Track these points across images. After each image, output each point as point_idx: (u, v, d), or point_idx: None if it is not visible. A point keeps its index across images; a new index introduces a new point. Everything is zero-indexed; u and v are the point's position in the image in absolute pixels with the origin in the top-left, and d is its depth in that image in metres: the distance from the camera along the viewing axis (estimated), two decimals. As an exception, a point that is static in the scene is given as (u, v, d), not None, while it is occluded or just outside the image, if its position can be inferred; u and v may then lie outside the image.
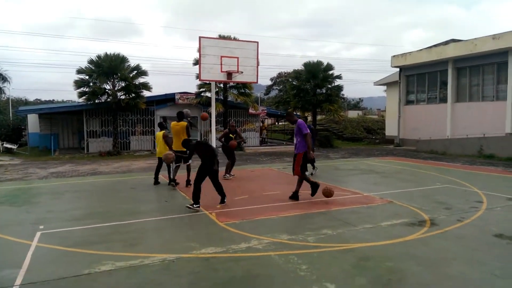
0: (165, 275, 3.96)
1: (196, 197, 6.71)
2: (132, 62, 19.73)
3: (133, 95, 19.37)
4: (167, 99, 21.77)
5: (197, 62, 19.96)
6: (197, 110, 22.32)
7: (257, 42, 11.47)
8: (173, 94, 21.57)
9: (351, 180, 10.34)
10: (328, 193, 7.39)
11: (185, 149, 8.09)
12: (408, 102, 23.06)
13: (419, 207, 6.85)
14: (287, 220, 6.08)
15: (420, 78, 22.23)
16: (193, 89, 22.24)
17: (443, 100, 20.54)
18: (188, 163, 9.15)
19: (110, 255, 4.49)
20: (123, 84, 19.30)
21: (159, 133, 9.82)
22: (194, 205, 6.68)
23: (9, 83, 27.61)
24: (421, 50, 21.74)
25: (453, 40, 21.35)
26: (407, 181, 9.86)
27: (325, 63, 23.61)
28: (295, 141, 7.47)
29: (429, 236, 5.19)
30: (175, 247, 4.76)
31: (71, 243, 4.94)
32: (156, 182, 9.51)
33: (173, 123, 9.11)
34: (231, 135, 10.55)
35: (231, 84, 20.65)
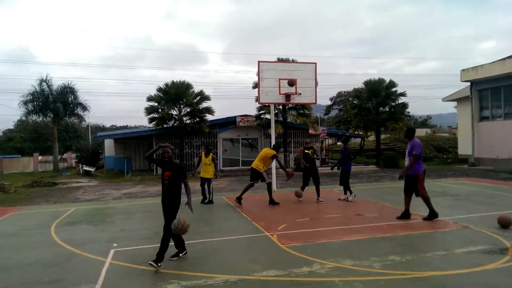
0: (228, 296, 4.01)
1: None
2: (196, 88, 20.87)
3: (197, 119, 20.37)
4: (229, 122, 22.51)
5: (256, 86, 20.51)
6: (257, 132, 22.75)
7: (315, 63, 11.52)
8: (234, 117, 22.26)
9: (421, 203, 9.68)
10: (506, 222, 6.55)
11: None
12: (482, 118, 21.28)
13: (500, 233, 6.19)
14: (351, 244, 5.85)
15: (494, 92, 20.47)
16: (253, 111, 22.76)
17: (525, 114, 18.64)
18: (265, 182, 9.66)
19: (176, 274, 4.68)
20: (188, 110, 20.42)
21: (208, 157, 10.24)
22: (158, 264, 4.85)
23: (89, 111, 30.60)
24: (493, 62, 20.12)
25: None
26: (485, 204, 8.99)
27: (387, 80, 22.88)
28: (406, 161, 7.46)
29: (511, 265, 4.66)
30: (237, 269, 4.81)
31: (141, 261, 5.23)
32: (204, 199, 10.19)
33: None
34: (306, 151, 9.98)
35: (290, 105, 20.80)
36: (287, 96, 11.29)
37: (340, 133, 28.21)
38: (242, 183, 15.37)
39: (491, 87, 20.54)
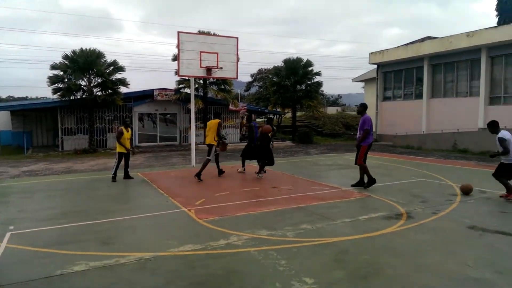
0: (141, 274, 3.87)
1: None
2: (109, 58, 19.25)
3: (110, 91, 18.88)
4: (146, 96, 21.39)
5: (176, 58, 19.70)
6: (176, 106, 22.03)
7: (237, 38, 11.40)
8: (151, 90, 21.20)
9: (330, 175, 10.44)
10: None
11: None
12: (385, 98, 23.46)
13: (396, 200, 6.97)
14: (267, 215, 6.06)
15: (397, 74, 22.64)
16: (172, 85, 21.91)
17: (419, 96, 20.98)
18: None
19: (83, 255, 4.36)
20: (99, 80, 18.79)
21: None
22: None
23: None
24: (397, 47, 22.12)
25: (429, 38, 21.82)
26: (384, 176, 10.02)
27: (304, 60, 23.75)
28: (358, 134, 8.28)
29: (406, 229, 5.29)
30: (152, 246, 4.66)
31: (43, 244, 4.76)
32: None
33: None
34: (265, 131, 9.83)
35: (211, 80, 20.47)
36: (208, 70, 11.03)
37: (259, 109, 28.77)
38: (159, 160, 14.87)
39: (394, 70, 22.64)
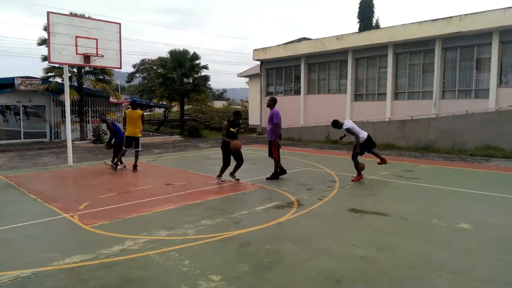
0: (19, 297, 3.26)
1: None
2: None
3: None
4: (5, 85, 18.20)
5: (43, 42, 17.23)
6: (44, 98, 19.33)
7: (119, 24, 10.53)
8: (13, 78, 18.13)
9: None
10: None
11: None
12: (268, 94, 24.75)
13: (287, 190, 7.43)
14: (164, 215, 5.78)
15: (278, 71, 24.11)
16: (38, 73, 19.11)
17: (297, 92, 22.78)
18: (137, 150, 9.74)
19: None
20: None
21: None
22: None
23: None
24: (279, 45, 23.54)
25: (305, 39, 23.80)
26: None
27: (191, 52, 23.39)
28: (268, 128, 8.52)
29: (298, 216, 5.67)
30: (29, 261, 3.98)
31: None
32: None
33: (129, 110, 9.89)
34: (232, 129, 8.19)
35: (88, 69, 18.54)
36: (87, 57, 9.91)
37: (144, 102, 27.35)
38: (26, 160, 12.86)
39: (276, 67, 24.04)
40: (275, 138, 8.39)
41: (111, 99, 20.98)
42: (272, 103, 8.48)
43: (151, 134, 24.24)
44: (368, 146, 8.46)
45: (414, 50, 17.54)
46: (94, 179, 8.80)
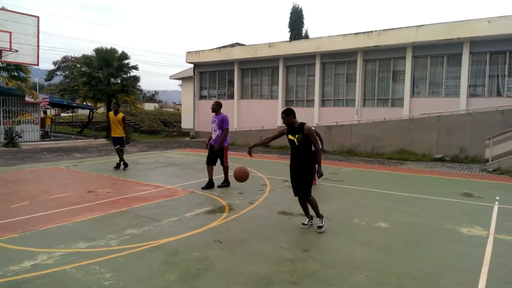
0: None
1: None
2: None
3: None
4: None
5: None
6: None
7: (38, 17, 9.64)
8: None
9: (152, 174, 10.13)
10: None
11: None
12: (202, 97, 24.55)
13: (218, 194, 7.37)
14: (84, 225, 5.36)
15: (212, 75, 24.00)
16: None
17: (231, 96, 22.88)
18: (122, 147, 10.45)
19: None
20: None
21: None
22: None
23: None
24: (212, 49, 23.45)
25: (239, 44, 24.04)
26: (205, 171, 10.44)
27: (119, 51, 22.25)
28: (216, 135, 7.88)
29: (229, 220, 5.64)
30: None
31: None
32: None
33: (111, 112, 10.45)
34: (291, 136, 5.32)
35: (1, 65, 16.65)
36: (-4, 52, 8.88)
37: (65, 102, 25.36)
38: None
39: (209, 71, 23.90)
40: (226, 145, 7.97)
41: (27, 99, 19.00)
42: (218, 108, 7.97)
43: (73, 137, 22.51)
44: None
45: (339, 60, 18.69)
46: (4, 186, 7.88)
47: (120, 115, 10.38)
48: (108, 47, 22.12)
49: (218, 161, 8.08)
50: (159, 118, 33.21)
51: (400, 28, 16.46)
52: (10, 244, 4.50)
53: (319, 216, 5.29)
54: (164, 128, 31.06)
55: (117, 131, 10.39)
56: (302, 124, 5.16)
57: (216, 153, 7.93)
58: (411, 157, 14.04)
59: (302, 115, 19.45)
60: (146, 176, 9.50)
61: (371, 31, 17.06)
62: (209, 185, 7.97)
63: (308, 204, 5.36)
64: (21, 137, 17.74)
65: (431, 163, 13.06)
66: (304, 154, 5.15)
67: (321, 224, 5.22)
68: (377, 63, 17.71)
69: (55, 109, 33.95)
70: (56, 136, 22.91)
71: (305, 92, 20.04)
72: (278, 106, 20.42)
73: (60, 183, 8.46)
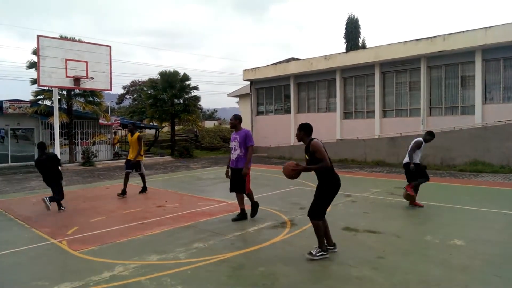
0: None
1: None
2: None
3: None
4: (-8, 108, 18.01)
5: (32, 65, 17.23)
6: (33, 121, 19.14)
7: (110, 47, 10.59)
8: (1, 102, 17.96)
9: (214, 189, 10.46)
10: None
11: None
12: (259, 113, 24.96)
13: (279, 209, 7.38)
14: (155, 238, 5.67)
15: (268, 91, 24.36)
16: (27, 96, 18.98)
17: (287, 111, 22.96)
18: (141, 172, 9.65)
19: None
20: None
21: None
22: None
23: None
24: (268, 66, 23.87)
25: (294, 59, 24.20)
26: (265, 186, 10.55)
27: (181, 73, 23.56)
28: (236, 154, 6.48)
29: (291, 236, 5.61)
30: (15, 291, 3.85)
31: None
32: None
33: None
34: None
35: (77, 91, 18.50)
36: (77, 80, 9.91)
37: (134, 123, 27.24)
38: (13, 184, 12.59)
39: (266, 87, 24.30)
40: (249, 167, 6.53)
41: (101, 121, 20.83)
42: (239, 122, 6.63)
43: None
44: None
45: (400, 68, 17.93)
46: (83, 202, 8.63)
47: (136, 134, 9.40)
48: (171, 69, 23.54)
49: None
50: (218, 135, 34.22)
51: (467, 31, 15.43)
52: (91, 256, 4.89)
53: (319, 246, 4.63)
54: (223, 144, 31.94)
55: (133, 154, 9.35)
56: (310, 140, 4.73)
57: (241, 177, 6.48)
58: (487, 169, 12.89)
59: (362, 127, 18.97)
60: (209, 192, 9.81)
61: (434, 36, 16.21)
62: (241, 216, 6.63)
63: (328, 230, 4.80)
64: (96, 156, 19.36)
65: (511, 175, 11.88)
66: (317, 173, 4.82)
67: (313, 254, 4.53)
68: (443, 69, 16.70)
69: (125, 130, 36.67)
70: (126, 155, 24.63)
71: (365, 103, 19.46)
72: (337, 118, 20.06)
73: (132, 199, 9.06)
